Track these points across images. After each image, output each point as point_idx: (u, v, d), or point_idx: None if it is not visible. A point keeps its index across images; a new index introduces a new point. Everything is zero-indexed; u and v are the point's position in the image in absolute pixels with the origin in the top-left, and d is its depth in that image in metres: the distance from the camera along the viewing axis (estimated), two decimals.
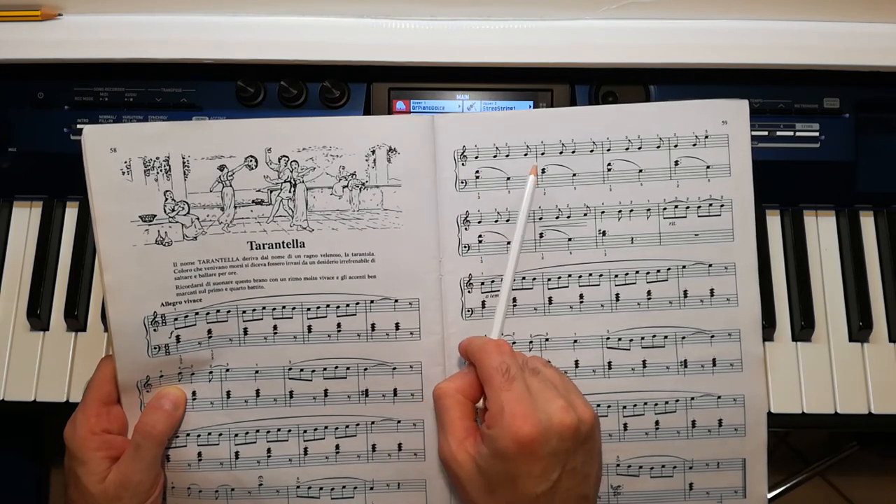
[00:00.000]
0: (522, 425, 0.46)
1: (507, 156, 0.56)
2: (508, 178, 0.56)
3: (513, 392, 0.48)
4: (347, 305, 0.55)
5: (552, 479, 0.47)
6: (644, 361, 0.55)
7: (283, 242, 0.55)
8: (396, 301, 0.55)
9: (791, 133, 0.65)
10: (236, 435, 0.55)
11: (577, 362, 0.55)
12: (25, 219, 0.69)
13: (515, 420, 0.46)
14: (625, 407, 0.55)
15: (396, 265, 0.55)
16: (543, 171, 0.56)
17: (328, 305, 0.55)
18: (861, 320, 0.65)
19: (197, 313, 0.55)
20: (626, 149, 0.56)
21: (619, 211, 0.56)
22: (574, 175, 0.56)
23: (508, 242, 0.56)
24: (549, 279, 0.56)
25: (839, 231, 0.68)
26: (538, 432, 0.46)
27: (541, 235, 0.56)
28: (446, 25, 0.64)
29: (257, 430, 0.55)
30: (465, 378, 0.52)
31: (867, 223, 0.68)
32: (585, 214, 0.56)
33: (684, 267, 0.56)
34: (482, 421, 0.50)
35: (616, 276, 0.56)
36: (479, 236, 0.56)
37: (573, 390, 0.51)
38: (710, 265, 0.55)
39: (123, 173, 0.53)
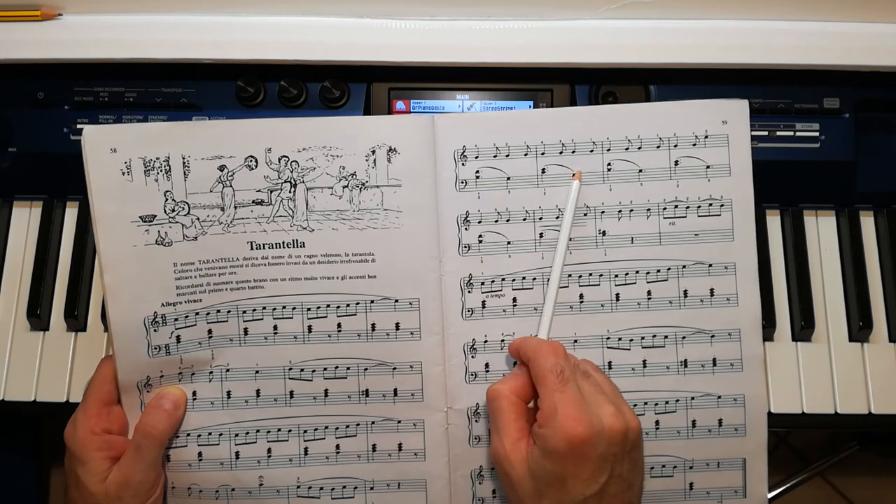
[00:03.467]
0: (575, 426, 0.47)
1: (507, 156, 0.56)
2: (508, 178, 0.56)
3: (566, 394, 0.48)
4: (348, 305, 0.55)
5: (601, 482, 0.47)
6: (644, 361, 0.55)
7: (283, 242, 0.55)
8: (397, 301, 0.55)
9: (791, 133, 0.65)
10: (237, 435, 0.55)
11: None
12: (25, 219, 0.69)
13: (568, 421, 0.47)
14: None
15: (397, 265, 0.55)
16: (543, 170, 0.56)
17: (328, 305, 0.55)
18: (861, 320, 0.65)
19: (197, 313, 0.55)
20: (626, 149, 0.56)
21: (619, 211, 0.56)
22: (574, 175, 0.56)
23: (509, 242, 0.56)
24: (548, 279, 0.56)
25: (839, 231, 0.68)
26: (589, 434, 0.47)
27: (541, 235, 0.56)
28: (446, 25, 0.64)
29: (258, 430, 0.55)
30: (519, 379, 0.52)
31: (867, 223, 0.68)
32: (585, 214, 0.56)
33: (684, 267, 0.56)
34: (534, 421, 0.50)
35: (616, 276, 0.56)
36: (480, 236, 0.56)
37: (621, 397, 0.51)
38: (710, 265, 0.55)
39: (123, 173, 0.53)
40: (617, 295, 0.56)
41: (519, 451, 0.49)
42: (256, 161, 0.54)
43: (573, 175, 0.55)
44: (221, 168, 0.54)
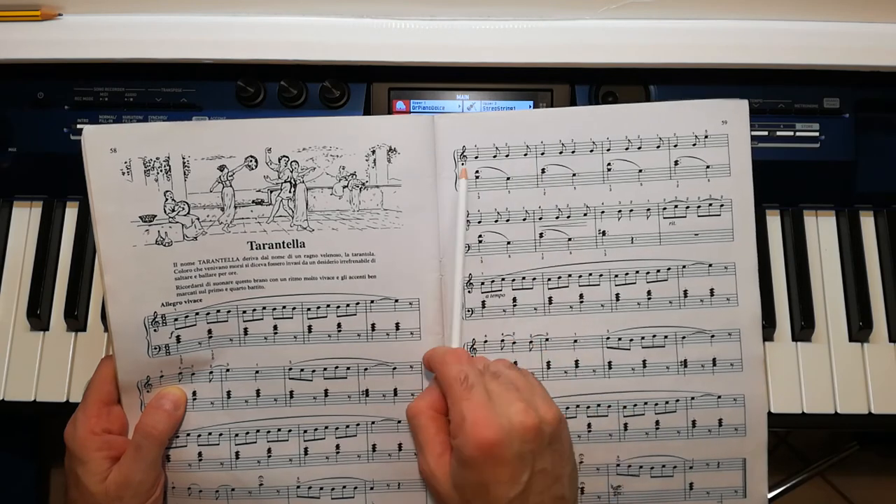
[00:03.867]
0: (483, 431, 0.46)
1: (507, 156, 0.56)
2: (508, 179, 0.56)
3: (472, 400, 0.48)
4: (347, 305, 0.55)
5: (522, 481, 0.47)
6: (644, 361, 0.55)
7: (283, 242, 0.55)
8: (397, 301, 0.55)
9: (791, 133, 0.65)
10: (237, 435, 0.55)
11: (577, 362, 0.55)
12: (25, 219, 0.69)
13: (476, 427, 0.46)
14: (625, 407, 0.55)
15: (397, 265, 0.55)
16: (543, 170, 0.56)
17: (328, 305, 0.55)
18: (861, 320, 0.65)
19: (197, 313, 0.55)
20: (626, 149, 0.56)
21: (619, 211, 0.56)
22: (574, 175, 0.56)
23: (509, 242, 0.56)
24: (549, 279, 0.56)
25: (839, 231, 0.68)
26: (500, 436, 0.46)
27: (541, 235, 0.56)
28: (446, 25, 0.64)
29: (257, 430, 0.55)
30: (435, 392, 0.52)
31: (867, 223, 0.68)
32: (585, 214, 0.56)
33: (684, 267, 0.56)
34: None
35: (616, 275, 0.56)
36: (479, 236, 0.56)
37: (538, 392, 0.50)
38: (710, 265, 0.55)
39: (123, 173, 0.53)
40: (617, 295, 0.56)
41: (443, 466, 0.49)
42: (256, 161, 0.54)
43: (460, 173, 0.55)
44: (221, 168, 0.54)
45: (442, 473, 0.49)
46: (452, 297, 0.55)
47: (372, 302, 0.55)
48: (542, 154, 0.56)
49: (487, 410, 0.47)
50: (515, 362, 0.55)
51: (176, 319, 0.54)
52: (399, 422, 0.55)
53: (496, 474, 0.46)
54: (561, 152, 0.56)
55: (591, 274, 0.56)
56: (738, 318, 0.55)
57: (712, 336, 0.55)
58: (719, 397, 0.55)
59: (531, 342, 0.56)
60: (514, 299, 0.56)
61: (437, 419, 0.51)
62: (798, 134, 0.65)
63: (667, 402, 0.55)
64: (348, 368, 0.55)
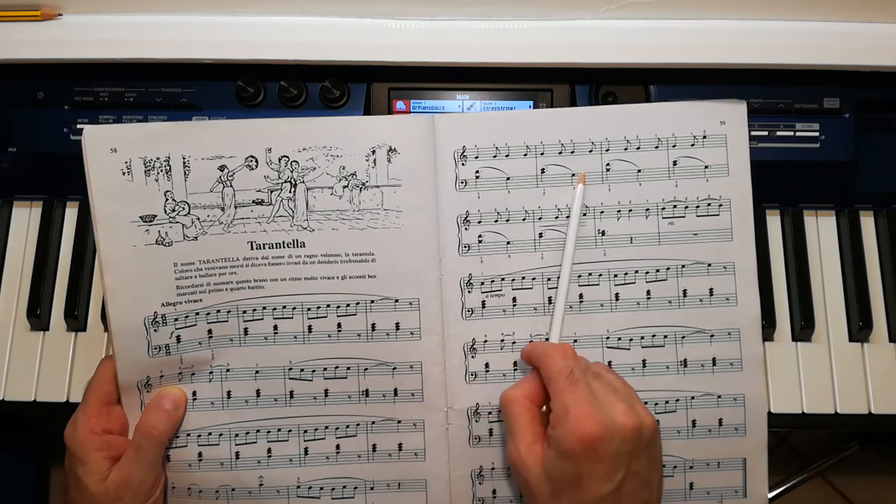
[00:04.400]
0: (586, 425, 0.47)
1: (507, 156, 0.56)
2: (508, 179, 0.56)
3: (576, 394, 0.48)
4: (348, 305, 0.55)
5: (616, 479, 0.47)
6: (644, 361, 0.55)
7: (283, 242, 0.55)
8: (397, 301, 0.55)
9: (791, 133, 0.65)
10: (237, 435, 0.55)
11: None
12: (25, 219, 0.69)
13: (580, 420, 0.47)
14: None
15: (397, 265, 0.55)
16: (543, 171, 0.56)
17: (328, 305, 0.55)
18: (861, 320, 0.65)
19: (197, 313, 0.55)
20: (625, 149, 0.56)
21: (619, 211, 0.56)
22: (573, 175, 0.56)
23: (509, 242, 0.56)
24: (548, 279, 0.56)
25: (839, 231, 0.68)
26: (601, 432, 0.47)
27: (540, 235, 0.56)
28: (446, 25, 0.64)
29: (258, 430, 0.55)
30: (531, 383, 0.52)
31: (867, 223, 0.68)
32: (585, 214, 0.56)
33: (683, 266, 0.56)
34: (547, 424, 0.50)
35: (615, 275, 0.56)
36: (479, 236, 0.56)
37: (634, 396, 0.51)
38: (709, 265, 0.55)
39: (124, 173, 0.53)
40: (616, 295, 0.56)
41: (534, 454, 0.49)
42: (256, 161, 0.54)
43: (577, 178, 0.55)
44: (221, 168, 0.54)
45: (533, 462, 0.49)
46: (556, 293, 0.55)
47: (372, 302, 0.55)
48: (542, 154, 0.56)
49: (591, 406, 0.48)
50: (515, 362, 0.55)
51: (176, 319, 0.54)
52: (399, 422, 0.55)
53: (592, 469, 0.47)
54: (560, 152, 0.56)
55: (590, 274, 0.56)
56: (737, 317, 0.55)
57: (712, 336, 0.55)
58: (719, 397, 0.55)
59: (531, 342, 0.55)
60: (514, 299, 0.56)
61: (530, 409, 0.51)
62: (798, 134, 0.65)
63: (667, 402, 0.55)
64: (348, 368, 0.55)
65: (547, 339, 0.55)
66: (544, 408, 0.52)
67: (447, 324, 0.55)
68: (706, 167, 0.55)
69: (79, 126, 0.65)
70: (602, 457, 0.47)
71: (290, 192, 0.55)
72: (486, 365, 0.56)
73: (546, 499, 0.48)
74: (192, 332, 0.55)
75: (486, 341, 0.56)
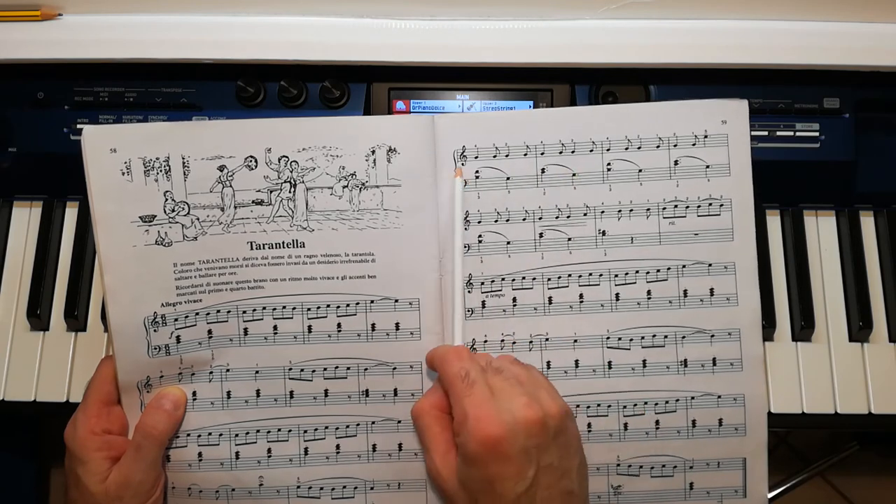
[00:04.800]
0: (486, 427, 0.46)
1: (507, 156, 0.56)
2: (508, 178, 0.56)
3: (473, 396, 0.48)
4: (347, 305, 0.55)
5: (529, 476, 0.46)
6: (644, 361, 0.55)
7: (283, 242, 0.55)
8: (396, 301, 0.55)
9: (791, 133, 0.65)
10: (237, 435, 0.55)
11: (577, 362, 0.55)
12: (25, 219, 0.69)
13: (479, 423, 0.46)
14: (625, 407, 0.55)
15: (396, 265, 0.55)
16: (543, 170, 0.56)
17: (328, 305, 0.55)
18: (861, 320, 0.65)
19: (197, 313, 0.55)
20: (626, 149, 0.56)
21: (619, 211, 0.56)
22: (574, 175, 0.56)
23: (509, 242, 0.56)
24: (549, 279, 0.56)
25: (839, 231, 0.68)
26: (503, 431, 0.46)
27: (541, 235, 0.56)
28: (446, 25, 0.64)
29: (258, 430, 0.55)
30: (438, 391, 0.52)
31: (867, 223, 0.68)
32: (585, 214, 0.56)
33: (684, 266, 0.56)
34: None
35: (616, 275, 0.56)
36: (479, 236, 0.56)
37: (542, 386, 0.50)
38: (710, 265, 0.55)
39: (123, 174, 0.53)
40: (617, 295, 0.56)
41: (448, 465, 0.49)
42: (256, 161, 0.54)
43: (455, 172, 0.55)
44: (221, 168, 0.54)
45: (448, 472, 0.49)
46: (453, 295, 0.55)
47: (372, 302, 0.55)
48: (542, 154, 0.56)
49: (490, 406, 0.47)
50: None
51: (176, 319, 0.54)
52: (399, 422, 0.55)
53: (501, 470, 0.46)
54: (561, 152, 0.56)
55: (590, 274, 0.56)
56: (737, 317, 0.55)
57: (712, 336, 0.55)
58: (719, 397, 0.55)
59: (531, 342, 0.56)
60: (514, 299, 0.56)
61: (441, 418, 0.51)
62: (798, 134, 0.65)
63: (667, 402, 0.55)
64: (348, 368, 0.55)
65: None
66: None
67: (447, 324, 0.55)
68: (707, 167, 0.55)
69: (79, 126, 0.65)
70: (509, 456, 0.46)
71: (289, 192, 0.55)
72: None
73: None
74: (192, 332, 0.55)
75: (486, 341, 0.56)
